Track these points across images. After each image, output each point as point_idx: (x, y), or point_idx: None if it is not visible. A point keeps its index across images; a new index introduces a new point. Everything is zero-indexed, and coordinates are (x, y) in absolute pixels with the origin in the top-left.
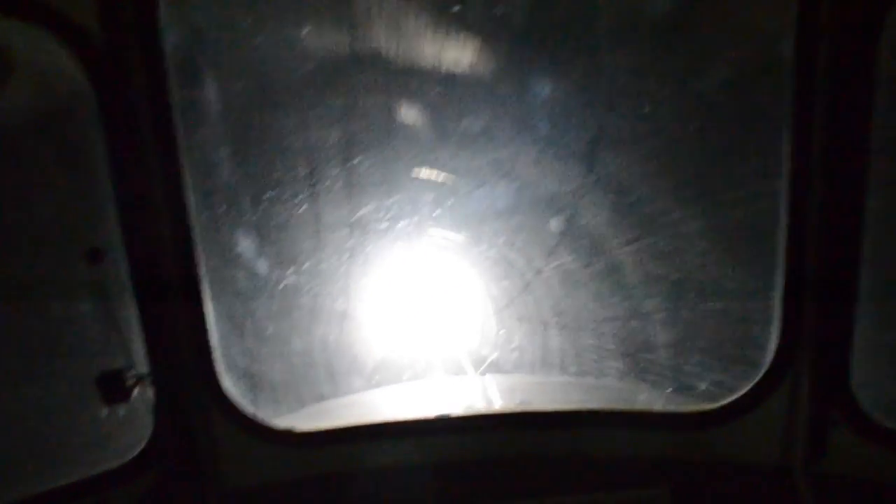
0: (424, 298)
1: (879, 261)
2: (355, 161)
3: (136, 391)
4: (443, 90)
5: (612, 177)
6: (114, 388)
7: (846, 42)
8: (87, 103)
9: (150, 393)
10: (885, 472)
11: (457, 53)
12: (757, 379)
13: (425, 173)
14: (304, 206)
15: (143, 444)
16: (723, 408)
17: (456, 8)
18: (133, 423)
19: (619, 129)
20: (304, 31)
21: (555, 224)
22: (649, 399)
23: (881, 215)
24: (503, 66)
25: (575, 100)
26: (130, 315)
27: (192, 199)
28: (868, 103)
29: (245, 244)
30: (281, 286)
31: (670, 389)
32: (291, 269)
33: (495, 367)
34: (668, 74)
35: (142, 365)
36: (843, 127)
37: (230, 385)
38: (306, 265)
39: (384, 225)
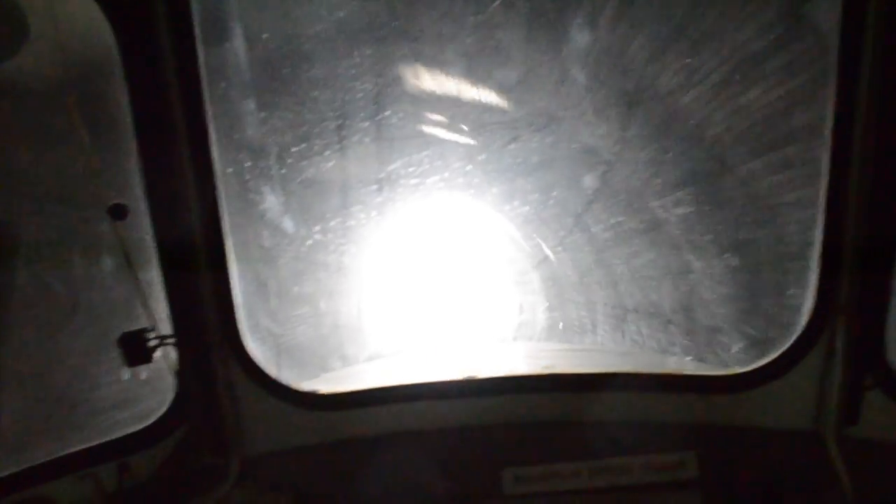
0: (454, 258)
1: None
2: (385, 114)
3: (158, 353)
4: (476, 40)
5: (650, 133)
6: (136, 349)
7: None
8: (113, 59)
9: (173, 355)
10: None
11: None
12: (790, 343)
13: (456, 127)
14: (332, 162)
15: (165, 407)
16: (754, 371)
17: None
18: (157, 386)
19: (659, 83)
20: None
21: (589, 181)
22: (680, 362)
23: None
24: (539, 14)
25: (614, 51)
26: (153, 275)
27: (217, 155)
28: None
29: (271, 201)
30: (307, 244)
31: (702, 353)
32: (318, 227)
33: (527, 330)
34: (710, 26)
35: (165, 326)
36: (889, 93)
37: (254, 347)
38: (333, 223)
39: (414, 181)
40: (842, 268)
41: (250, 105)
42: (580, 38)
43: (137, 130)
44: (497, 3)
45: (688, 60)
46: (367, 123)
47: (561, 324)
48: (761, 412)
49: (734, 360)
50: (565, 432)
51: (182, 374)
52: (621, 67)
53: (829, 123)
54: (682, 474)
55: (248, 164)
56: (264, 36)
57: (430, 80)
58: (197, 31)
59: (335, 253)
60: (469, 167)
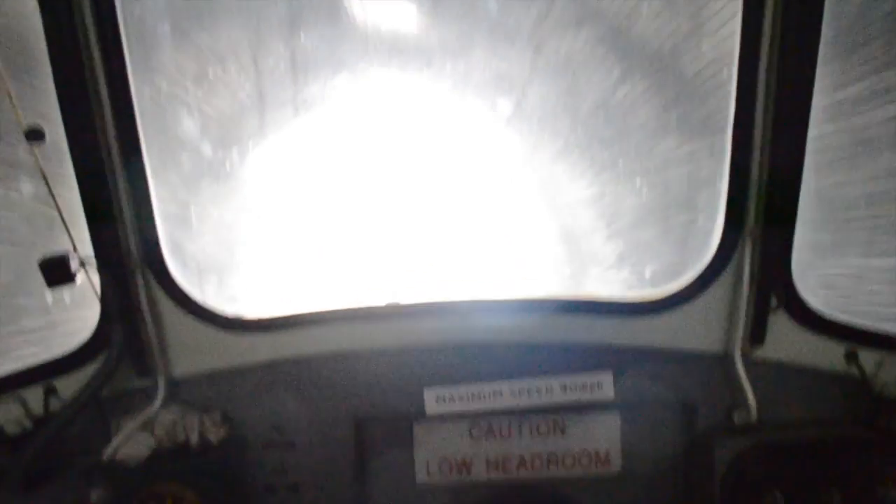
0: (370, 179)
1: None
2: (301, 38)
3: (80, 275)
4: None
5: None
6: (57, 271)
7: None
8: None
9: (95, 278)
10: (820, 358)
11: None
12: (701, 268)
13: (373, 49)
14: (248, 87)
15: (90, 331)
16: (668, 297)
17: None
18: (80, 310)
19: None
20: None
21: (504, 104)
22: (595, 286)
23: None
24: None
25: None
26: (73, 197)
27: (132, 75)
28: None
29: (188, 124)
30: (226, 168)
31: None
32: (235, 150)
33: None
34: None
35: (86, 249)
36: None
37: (177, 270)
38: (251, 144)
39: (329, 104)
40: (748, 196)
41: (166, 27)
42: None
43: (51, 54)
44: None
45: None
46: (282, 47)
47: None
48: (675, 334)
49: (649, 284)
50: (485, 354)
51: (105, 297)
52: None
53: (735, 51)
54: (599, 394)
55: (165, 86)
56: None
57: (345, 6)
58: None
59: (254, 177)
60: (390, 91)
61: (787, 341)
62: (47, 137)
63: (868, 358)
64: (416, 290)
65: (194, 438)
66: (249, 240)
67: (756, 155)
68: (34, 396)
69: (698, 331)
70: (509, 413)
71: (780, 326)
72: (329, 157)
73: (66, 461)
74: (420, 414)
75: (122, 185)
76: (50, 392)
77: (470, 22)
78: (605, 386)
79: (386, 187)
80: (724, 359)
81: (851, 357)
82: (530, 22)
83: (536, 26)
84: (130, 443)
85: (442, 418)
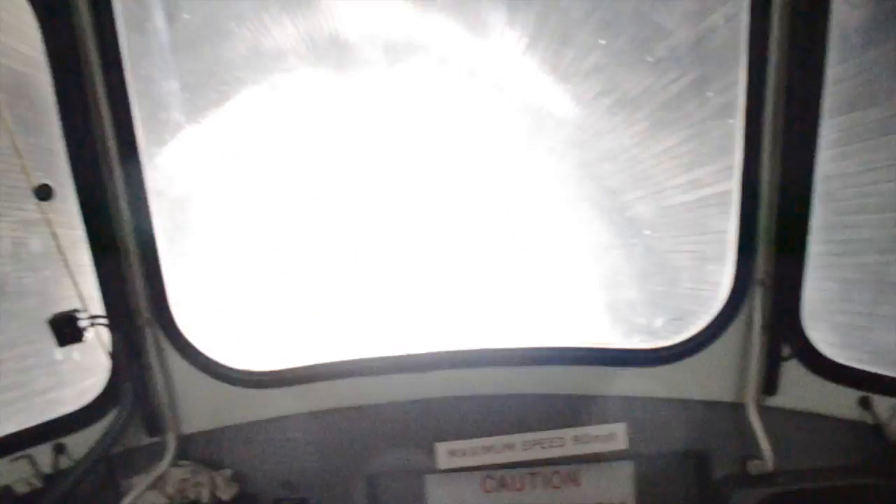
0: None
1: (832, 204)
2: None
3: (90, 333)
4: None
5: None
6: (67, 329)
7: None
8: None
9: (105, 336)
10: (834, 406)
11: None
12: (712, 317)
13: None
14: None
15: (99, 388)
16: (679, 344)
17: None
18: (90, 368)
19: None
20: None
21: None
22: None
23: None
24: None
25: None
26: (83, 256)
27: (140, 128)
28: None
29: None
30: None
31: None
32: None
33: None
34: None
35: (96, 307)
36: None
37: (186, 326)
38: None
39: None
40: (758, 244)
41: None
42: None
43: (60, 105)
44: None
45: None
46: None
47: None
48: (686, 384)
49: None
50: (496, 405)
51: (115, 354)
52: None
53: (741, 100)
54: (613, 445)
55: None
56: None
57: None
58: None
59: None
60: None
61: (800, 389)
62: (57, 195)
63: (882, 404)
64: (426, 339)
65: (205, 497)
66: (258, 292)
67: (764, 201)
68: (43, 454)
69: (711, 380)
70: (522, 466)
71: (793, 374)
72: (337, 202)
73: None
74: (432, 468)
75: (130, 242)
76: (59, 450)
77: None
78: (618, 436)
79: (394, 234)
80: (738, 407)
81: (865, 404)
82: None
83: None
84: (141, 502)
85: (454, 472)
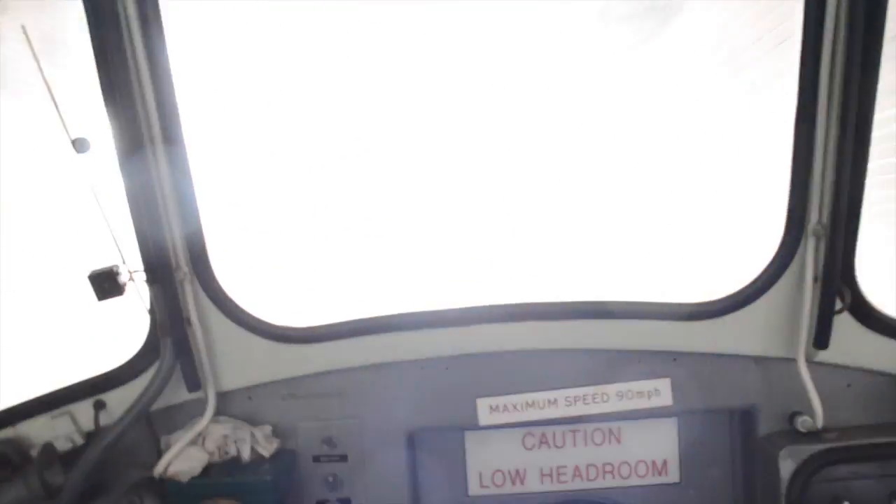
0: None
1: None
2: None
3: (129, 287)
4: None
5: None
6: (107, 284)
7: None
8: None
9: (145, 291)
10: (886, 361)
11: None
12: (762, 269)
13: None
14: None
15: (140, 346)
16: (728, 299)
17: None
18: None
19: None
20: None
21: None
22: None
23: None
24: None
25: None
26: (122, 212)
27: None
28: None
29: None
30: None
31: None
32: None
33: None
34: None
35: (135, 262)
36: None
37: (226, 282)
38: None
39: None
40: (810, 198)
41: None
42: None
43: (99, 65)
44: None
45: None
46: None
47: None
48: (734, 338)
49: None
50: (538, 361)
51: (154, 310)
52: None
53: (797, 49)
54: (657, 401)
55: None
56: None
57: None
58: None
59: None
60: None
61: (852, 344)
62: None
63: None
64: (468, 293)
65: (246, 453)
66: (298, 250)
67: (819, 151)
68: (84, 411)
69: (759, 334)
70: (563, 422)
71: (845, 329)
72: (382, 155)
73: (116, 476)
74: (472, 424)
75: (168, 196)
76: (100, 406)
77: None
78: (662, 392)
79: (438, 188)
80: (786, 363)
81: None
82: None
83: None
84: (182, 457)
85: (495, 428)
